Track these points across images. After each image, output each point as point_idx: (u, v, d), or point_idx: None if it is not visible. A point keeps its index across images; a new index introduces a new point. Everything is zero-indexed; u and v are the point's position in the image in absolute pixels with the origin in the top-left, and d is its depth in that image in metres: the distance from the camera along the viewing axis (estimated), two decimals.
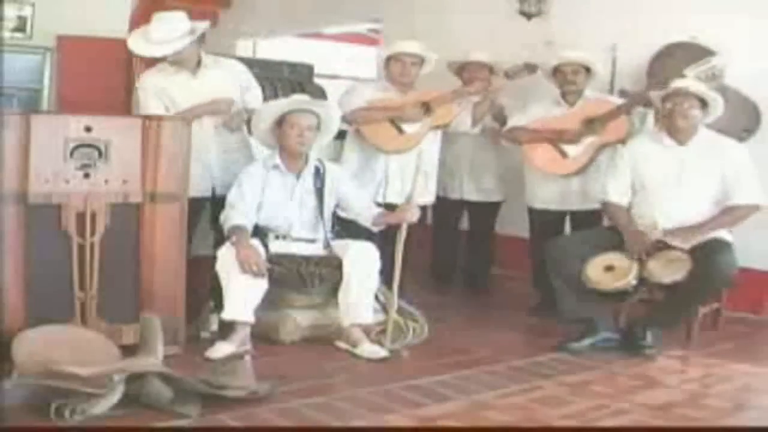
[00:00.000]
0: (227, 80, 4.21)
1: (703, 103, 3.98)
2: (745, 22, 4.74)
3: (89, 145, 3.36)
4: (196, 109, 4.02)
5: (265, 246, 3.83)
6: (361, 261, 3.84)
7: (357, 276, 3.82)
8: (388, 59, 4.66)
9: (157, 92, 4.08)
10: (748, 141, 4.58)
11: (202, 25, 4.11)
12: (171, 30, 3.99)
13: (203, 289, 3.86)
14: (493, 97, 4.84)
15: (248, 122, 4.29)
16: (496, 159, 5.23)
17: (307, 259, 3.92)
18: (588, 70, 4.67)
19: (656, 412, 3.21)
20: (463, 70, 5.16)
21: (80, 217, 3.35)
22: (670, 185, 4.02)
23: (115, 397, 2.84)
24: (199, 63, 4.14)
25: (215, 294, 3.76)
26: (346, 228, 4.14)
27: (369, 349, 3.73)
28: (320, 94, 5.44)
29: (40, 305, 3.26)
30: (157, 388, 2.91)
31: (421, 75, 4.73)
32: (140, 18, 5.65)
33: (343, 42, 9.82)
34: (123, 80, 6.05)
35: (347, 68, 9.37)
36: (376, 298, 3.94)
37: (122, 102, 5.78)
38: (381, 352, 3.72)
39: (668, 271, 3.83)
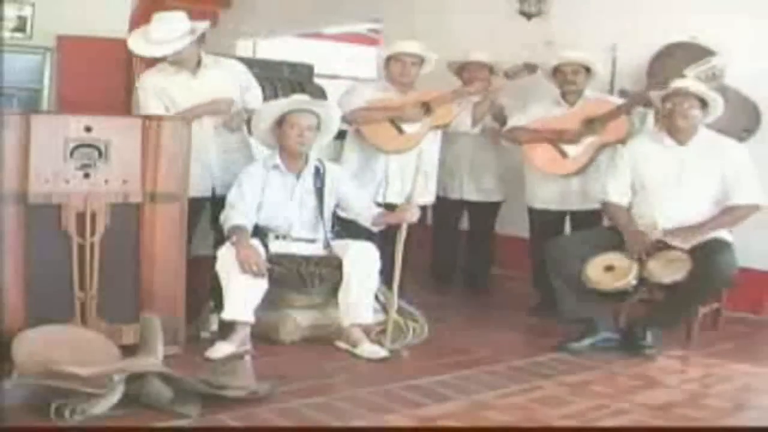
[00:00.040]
0: (227, 80, 4.21)
1: (703, 103, 3.98)
2: (745, 22, 4.74)
3: (89, 145, 3.36)
4: (196, 109, 4.02)
5: (265, 246, 3.83)
6: (361, 261, 3.84)
7: (357, 276, 3.82)
8: (388, 59, 4.67)
9: (157, 92, 4.08)
10: (748, 141, 4.58)
11: (202, 25, 4.11)
12: (171, 30, 3.99)
13: (203, 289, 3.86)
14: (492, 97, 4.85)
15: (248, 122, 4.29)
16: (496, 159, 5.23)
17: (307, 259, 3.92)
18: (588, 70, 4.67)
19: (656, 412, 3.21)
20: (463, 70, 5.16)
21: (80, 217, 3.35)
22: (670, 185, 4.02)
23: (115, 397, 2.84)
24: (199, 63, 4.14)
25: (215, 294, 3.76)
26: (346, 228, 4.14)
27: (369, 349, 3.73)
28: (320, 94, 5.44)
29: (40, 305, 3.26)
30: (157, 388, 2.91)
31: (421, 75, 4.73)
32: (140, 18, 5.65)
33: (343, 42, 9.82)
34: (123, 80, 6.05)
35: (347, 68, 9.38)
36: (376, 298, 3.94)
37: (122, 102, 5.78)
38: (381, 352, 3.72)
39: (668, 271, 3.83)
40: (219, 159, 4.17)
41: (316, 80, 6.06)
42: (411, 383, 3.36)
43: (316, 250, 4.02)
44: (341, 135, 4.56)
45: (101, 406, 2.80)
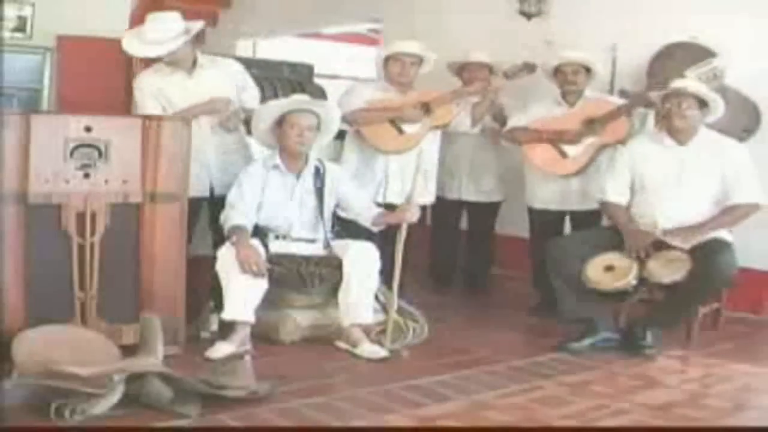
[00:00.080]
0: (223, 80, 4.20)
1: (702, 104, 3.98)
2: (745, 22, 4.74)
3: (89, 145, 3.36)
4: (194, 109, 4.01)
5: (265, 246, 3.83)
6: (361, 261, 3.84)
7: (357, 276, 3.82)
8: (387, 59, 4.66)
9: (153, 92, 4.07)
10: (748, 141, 4.58)
11: (197, 25, 4.09)
12: (165, 30, 3.98)
13: (203, 289, 3.85)
14: (492, 97, 4.84)
15: (246, 122, 4.29)
16: (495, 159, 5.22)
17: (307, 259, 3.92)
18: (588, 70, 4.67)
19: (656, 412, 3.21)
20: (463, 70, 5.16)
21: (80, 217, 3.35)
22: (670, 185, 4.02)
23: (115, 397, 2.84)
24: (195, 63, 4.13)
25: (215, 294, 3.76)
26: (346, 228, 4.14)
27: (369, 349, 3.73)
28: (320, 94, 5.44)
29: (40, 305, 3.26)
30: (157, 388, 2.91)
31: (420, 75, 4.73)
32: (140, 18, 5.63)
33: (343, 42, 9.83)
34: (123, 80, 6.04)
35: (347, 68, 9.38)
36: (376, 298, 3.94)
37: (122, 102, 5.77)
38: (381, 352, 3.72)
39: (668, 271, 3.83)
40: (217, 159, 4.17)
41: (316, 80, 6.05)
42: (411, 383, 3.36)
43: (316, 250, 4.02)
44: (341, 135, 4.56)
45: (101, 406, 2.80)
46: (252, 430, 2.86)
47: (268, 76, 5.44)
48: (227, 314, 3.67)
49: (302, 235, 4.02)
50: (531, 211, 4.89)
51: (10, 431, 2.73)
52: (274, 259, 3.82)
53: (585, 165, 4.59)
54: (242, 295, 3.67)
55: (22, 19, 6.40)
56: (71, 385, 2.77)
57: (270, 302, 3.81)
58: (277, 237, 3.99)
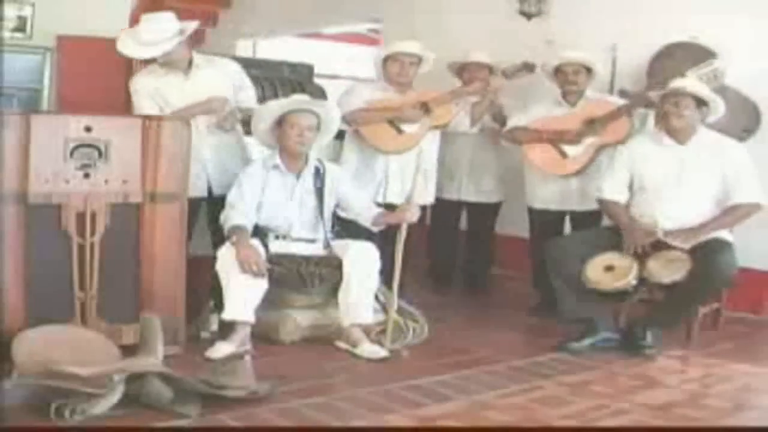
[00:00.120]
0: (221, 80, 4.18)
1: (700, 103, 3.98)
2: (745, 22, 4.75)
3: (89, 145, 3.36)
4: (191, 109, 3.99)
5: (265, 246, 3.83)
6: (361, 261, 3.84)
7: (357, 276, 3.82)
8: (386, 59, 4.66)
9: (150, 93, 4.05)
10: (748, 141, 4.58)
11: (191, 26, 4.06)
12: (159, 31, 3.95)
13: (202, 289, 3.85)
14: (491, 97, 4.84)
15: (243, 122, 4.29)
16: (495, 159, 5.22)
17: (307, 259, 3.92)
18: (589, 70, 4.67)
19: (656, 412, 3.21)
20: (463, 70, 5.16)
21: (80, 217, 3.35)
22: (670, 185, 4.02)
23: (115, 397, 2.84)
24: (190, 63, 4.12)
25: (215, 294, 3.76)
26: (346, 228, 4.14)
27: (369, 349, 3.73)
28: (320, 94, 5.44)
29: (40, 305, 3.26)
30: (157, 388, 2.91)
31: (420, 75, 4.73)
32: (140, 18, 5.64)
33: (343, 42, 9.82)
34: (123, 80, 6.02)
35: (347, 68, 9.38)
36: (376, 298, 3.94)
37: (122, 102, 5.76)
38: (381, 352, 3.72)
39: (668, 271, 3.84)
40: (214, 159, 4.16)
41: (316, 80, 6.05)
42: (411, 383, 3.36)
43: (316, 250, 4.02)
44: (340, 135, 4.56)
45: (101, 406, 2.80)
46: (252, 430, 2.86)
47: (268, 76, 5.44)
48: (227, 314, 3.67)
49: (302, 235, 4.02)
50: (531, 211, 4.89)
51: (10, 431, 2.73)
52: (274, 259, 3.82)
53: (585, 165, 4.59)
54: (242, 295, 3.67)
55: (22, 19, 6.40)
56: (71, 385, 2.77)
57: (270, 302, 3.80)
58: (277, 237, 3.99)
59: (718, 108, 4.00)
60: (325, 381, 3.41)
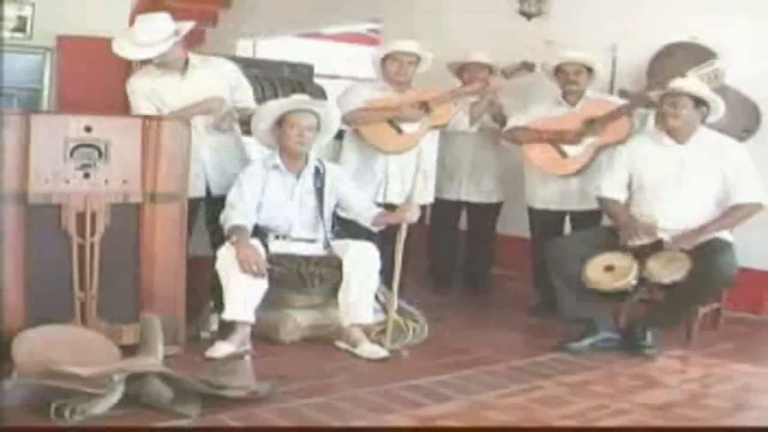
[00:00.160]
0: (217, 80, 4.16)
1: (699, 103, 3.98)
2: (745, 22, 4.75)
3: (89, 145, 3.36)
4: (189, 110, 3.97)
5: (265, 246, 3.83)
6: (361, 261, 3.84)
7: (357, 276, 3.82)
8: (385, 58, 4.66)
9: (146, 93, 4.03)
10: (748, 141, 4.58)
11: (186, 26, 4.04)
12: (155, 32, 3.93)
13: (201, 289, 3.85)
14: (491, 97, 4.83)
15: (241, 121, 4.29)
16: (495, 159, 5.22)
17: (307, 259, 3.92)
18: (590, 70, 4.67)
19: (656, 412, 3.21)
20: (463, 70, 5.16)
21: (80, 217, 3.35)
22: (670, 185, 4.02)
23: (115, 397, 2.84)
24: (186, 63, 4.10)
25: (215, 294, 3.76)
26: (346, 228, 4.14)
27: (369, 349, 3.73)
28: (320, 94, 5.43)
29: (40, 305, 3.26)
30: (157, 388, 2.91)
31: (420, 75, 4.73)
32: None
33: (343, 42, 9.82)
34: (123, 80, 6.01)
35: (347, 68, 9.38)
36: (376, 298, 3.94)
37: (122, 102, 5.76)
38: (381, 352, 3.72)
39: (668, 271, 3.84)
40: (212, 159, 4.14)
41: (316, 80, 6.05)
42: (411, 383, 3.36)
43: (316, 250, 4.02)
44: (339, 135, 4.56)
45: (101, 406, 2.80)
46: (252, 430, 2.86)
47: (268, 76, 5.44)
48: (227, 314, 3.67)
49: (302, 235, 4.02)
50: (531, 211, 4.89)
51: (10, 431, 2.73)
52: (274, 259, 3.82)
53: (585, 165, 4.59)
54: (242, 295, 3.67)
55: (22, 19, 6.40)
56: (71, 385, 2.77)
57: (270, 302, 3.80)
58: (277, 237, 3.99)
59: (718, 108, 4.00)
60: (325, 381, 3.41)
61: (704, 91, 4.00)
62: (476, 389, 3.36)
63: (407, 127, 4.61)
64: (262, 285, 3.71)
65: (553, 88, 4.79)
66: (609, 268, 3.92)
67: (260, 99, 4.69)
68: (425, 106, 4.59)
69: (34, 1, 6.37)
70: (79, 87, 6.04)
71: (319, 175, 4.04)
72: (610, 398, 3.34)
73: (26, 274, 3.26)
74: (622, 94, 5.06)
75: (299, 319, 3.91)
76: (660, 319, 4.04)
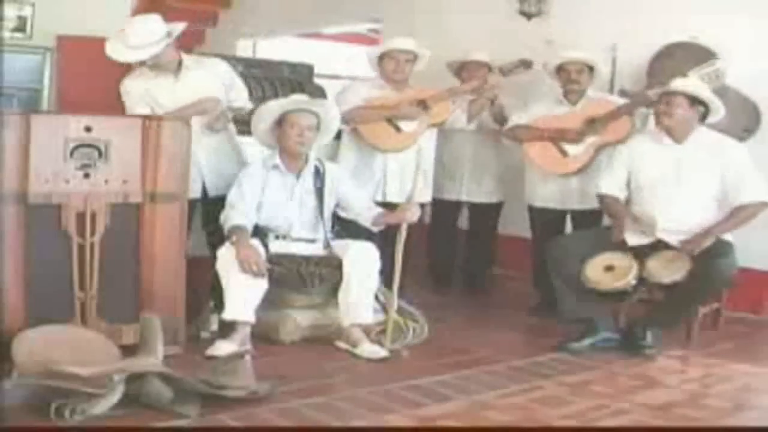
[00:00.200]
0: (210, 80, 4.14)
1: (694, 102, 3.97)
2: (745, 22, 4.75)
3: (89, 145, 3.36)
4: (185, 110, 3.96)
5: (265, 246, 3.83)
6: (361, 261, 3.84)
7: (357, 276, 3.82)
8: (382, 56, 4.66)
9: (141, 94, 4.03)
10: (748, 141, 4.58)
11: (179, 27, 4.03)
12: (147, 34, 3.92)
13: (201, 289, 3.85)
14: (488, 94, 4.82)
15: (236, 121, 4.28)
16: (496, 159, 5.22)
17: (307, 259, 3.92)
18: (591, 69, 4.67)
19: (656, 412, 3.21)
20: (462, 69, 5.17)
21: (80, 217, 3.35)
22: (669, 184, 4.03)
23: (115, 397, 2.84)
24: (180, 65, 4.09)
25: (215, 294, 3.76)
26: (346, 228, 4.14)
27: (369, 349, 3.73)
28: (320, 94, 5.44)
29: (40, 305, 3.26)
30: (157, 388, 2.91)
31: (419, 74, 4.73)
32: None
33: (343, 42, 9.82)
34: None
35: (347, 68, 9.37)
36: (376, 298, 3.94)
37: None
38: (381, 352, 3.72)
39: (668, 271, 3.84)
40: (208, 160, 4.12)
41: (316, 80, 6.06)
42: (411, 383, 3.36)
43: (316, 250, 4.02)
44: (337, 134, 4.55)
45: (101, 406, 2.80)
46: (252, 430, 2.86)
47: (268, 76, 5.44)
48: (227, 314, 3.67)
49: (302, 235, 4.02)
50: (531, 210, 4.88)
51: (10, 431, 2.73)
52: (274, 259, 3.82)
53: (585, 164, 4.59)
54: (242, 295, 3.67)
55: (22, 19, 6.41)
56: (71, 385, 2.77)
57: (270, 302, 3.80)
58: (277, 237, 3.99)
59: (717, 108, 4.00)
60: (325, 381, 3.41)
61: (699, 90, 4.00)
62: (476, 389, 3.36)
63: (406, 126, 4.60)
64: (262, 285, 3.71)
65: (555, 86, 4.80)
66: (609, 268, 3.92)
67: (260, 99, 4.70)
68: (423, 104, 4.59)
69: (34, 1, 6.38)
70: (79, 87, 6.05)
71: (319, 174, 4.04)
72: (610, 398, 3.34)
73: (26, 274, 3.26)
74: (622, 93, 5.06)
75: (299, 319, 3.91)
76: (660, 319, 4.04)
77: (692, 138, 4.03)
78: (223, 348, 3.58)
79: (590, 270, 3.91)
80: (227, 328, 3.69)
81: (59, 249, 3.33)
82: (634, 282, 3.88)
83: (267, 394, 3.07)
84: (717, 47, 4.73)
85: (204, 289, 3.85)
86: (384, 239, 4.07)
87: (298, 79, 5.70)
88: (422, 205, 4.42)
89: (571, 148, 4.61)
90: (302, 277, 3.87)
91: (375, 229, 4.09)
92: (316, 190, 4.02)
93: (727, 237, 4.01)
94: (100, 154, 3.38)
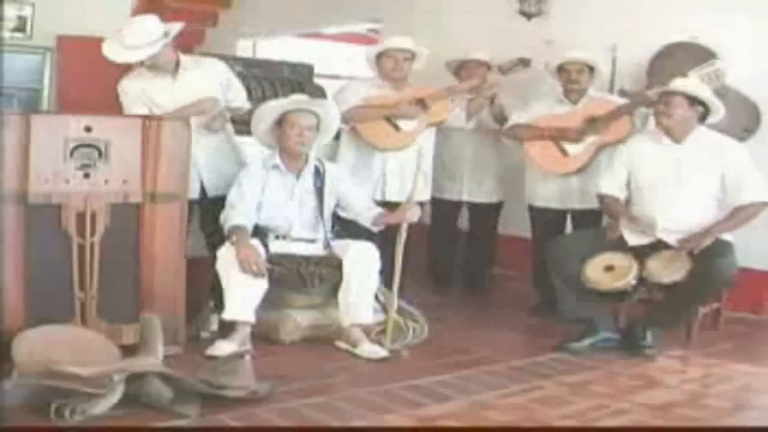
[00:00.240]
0: (208, 80, 4.14)
1: (693, 102, 3.97)
2: (745, 22, 4.75)
3: (89, 145, 3.37)
4: (183, 110, 3.95)
5: (265, 246, 3.83)
6: (361, 261, 3.84)
7: (357, 276, 3.82)
8: (380, 55, 4.66)
9: (138, 94, 4.02)
10: (748, 141, 4.58)
11: (176, 28, 4.02)
12: (144, 34, 3.92)
13: (201, 289, 3.85)
14: (487, 93, 4.82)
15: (233, 120, 4.28)
16: (496, 159, 5.22)
17: (307, 259, 3.92)
18: (592, 69, 4.67)
19: (656, 412, 3.21)
20: (461, 68, 5.17)
21: (80, 217, 3.35)
22: (667, 184, 4.03)
23: (115, 397, 2.84)
24: (177, 65, 4.08)
25: (215, 294, 3.76)
26: (346, 228, 4.14)
27: (369, 349, 3.73)
28: (320, 94, 5.44)
29: (40, 305, 3.26)
30: (157, 388, 2.91)
31: (418, 74, 4.73)
32: None
33: (343, 42, 9.82)
34: None
35: (347, 68, 9.37)
36: (376, 298, 3.94)
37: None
38: (381, 352, 3.72)
39: (668, 271, 3.84)
40: (206, 160, 4.12)
41: (316, 80, 6.06)
42: (411, 383, 3.36)
43: (316, 250, 4.02)
44: (336, 133, 4.55)
45: (101, 406, 2.80)
46: (252, 430, 2.86)
47: (268, 76, 5.44)
48: (228, 314, 3.67)
49: (302, 235, 4.02)
50: (531, 209, 4.88)
51: (10, 431, 2.73)
52: (274, 259, 3.82)
53: (585, 164, 4.59)
54: (242, 295, 3.67)
55: (22, 19, 6.41)
56: (71, 385, 2.77)
57: (270, 302, 3.80)
58: (277, 237, 3.99)
59: (717, 108, 4.00)
60: (325, 381, 3.41)
61: (698, 90, 4.00)
62: (476, 389, 3.36)
63: (405, 125, 4.60)
64: (262, 285, 3.71)
65: (555, 86, 4.80)
66: (609, 268, 3.92)
67: (260, 99, 4.71)
68: (422, 103, 4.59)
69: (34, 1, 6.38)
70: (79, 87, 6.04)
71: (319, 174, 4.04)
72: (610, 398, 3.34)
73: (26, 274, 3.27)
74: (622, 93, 5.06)
75: (299, 319, 3.91)
76: (660, 319, 4.04)
77: (692, 138, 4.03)
78: (223, 348, 3.58)
79: (590, 270, 3.91)
80: (227, 328, 3.69)
81: (59, 249, 3.33)
82: (634, 282, 3.88)
83: (267, 394, 3.07)
84: (717, 47, 4.73)
85: (204, 289, 3.84)
86: (384, 239, 4.07)
87: (298, 79, 5.70)
88: (421, 204, 4.42)
89: (571, 148, 4.61)
90: (302, 277, 3.87)
91: (375, 229, 4.09)
92: (316, 190, 4.02)
93: (727, 237, 4.01)
94: (100, 154, 3.38)
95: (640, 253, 3.94)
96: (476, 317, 4.76)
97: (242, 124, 4.31)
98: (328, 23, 7.99)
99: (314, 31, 8.66)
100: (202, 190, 4.13)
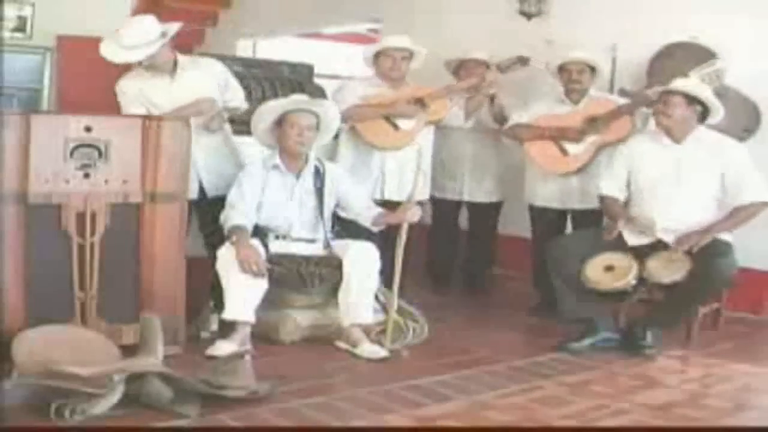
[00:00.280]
0: (206, 81, 4.13)
1: (692, 102, 3.97)
2: (745, 22, 4.75)
3: (89, 145, 3.37)
4: (181, 111, 3.94)
5: (265, 246, 3.83)
6: (361, 261, 3.84)
7: (357, 276, 3.82)
8: (378, 55, 4.66)
9: (136, 95, 4.02)
10: (748, 141, 4.58)
11: (174, 28, 4.02)
12: (142, 34, 3.91)
13: (201, 289, 3.85)
14: (486, 91, 4.81)
15: (231, 121, 4.27)
16: (496, 158, 5.22)
17: (307, 259, 3.92)
18: (593, 69, 4.67)
19: (656, 412, 3.21)
20: (460, 68, 5.16)
21: (80, 217, 3.35)
22: (667, 184, 4.03)
23: (115, 397, 2.84)
24: (175, 65, 4.08)
25: (215, 294, 3.76)
26: (346, 228, 4.14)
27: (369, 349, 3.73)
28: (320, 94, 5.43)
29: (40, 305, 3.26)
30: (157, 388, 2.91)
31: (417, 73, 4.73)
32: None
33: (343, 42, 9.82)
34: None
35: (347, 68, 9.37)
36: (376, 298, 3.94)
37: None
38: (381, 352, 3.72)
39: (668, 271, 3.84)
40: (205, 161, 4.11)
41: (316, 80, 6.06)
42: (411, 383, 3.36)
43: (316, 250, 4.02)
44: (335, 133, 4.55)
45: (101, 406, 2.80)
46: (252, 430, 2.86)
47: (268, 76, 5.44)
48: (228, 314, 3.67)
49: (302, 235, 4.02)
50: (531, 209, 4.88)
51: (10, 431, 2.73)
52: (274, 259, 3.82)
53: (586, 163, 4.58)
54: (242, 295, 3.67)
55: (22, 19, 6.41)
56: (71, 385, 2.77)
57: (270, 302, 3.80)
58: (277, 237, 3.99)
59: (716, 107, 4.00)
60: (325, 381, 3.41)
61: (697, 90, 4.00)
62: (476, 389, 3.36)
63: (403, 124, 4.60)
64: (262, 285, 3.71)
65: (556, 85, 4.79)
66: (609, 268, 3.92)
67: (260, 99, 4.70)
68: (421, 102, 4.59)
69: (34, 1, 6.38)
70: (79, 87, 6.05)
71: (319, 174, 4.04)
72: (610, 398, 3.34)
73: (26, 274, 3.27)
74: (622, 93, 5.06)
75: (299, 319, 3.91)
76: (660, 319, 4.04)
77: (692, 138, 4.03)
78: (223, 348, 3.58)
79: (590, 270, 3.91)
80: (227, 328, 3.69)
81: (59, 249, 3.33)
82: (634, 282, 3.88)
83: (267, 394, 3.07)
84: (717, 47, 4.73)
85: (204, 289, 3.84)
86: (384, 239, 4.07)
87: (298, 79, 5.70)
88: (421, 203, 4.42)
89: (571, 147, 4.60)
90: (302, 277, 3.87)
91: (375, 229, 4.09)
92: (316, 190, 4.02)
93: (727, 237, 4.01)
94: (100, 154, 3.38)
95: (640, 253, 3.94)
96: (476, 317, 4.76)
97: (241, 124, 4.31)
98: (328, 23, 7.99)
99: (314, 31, 8.65)
100: (201, 190, 4.13)
